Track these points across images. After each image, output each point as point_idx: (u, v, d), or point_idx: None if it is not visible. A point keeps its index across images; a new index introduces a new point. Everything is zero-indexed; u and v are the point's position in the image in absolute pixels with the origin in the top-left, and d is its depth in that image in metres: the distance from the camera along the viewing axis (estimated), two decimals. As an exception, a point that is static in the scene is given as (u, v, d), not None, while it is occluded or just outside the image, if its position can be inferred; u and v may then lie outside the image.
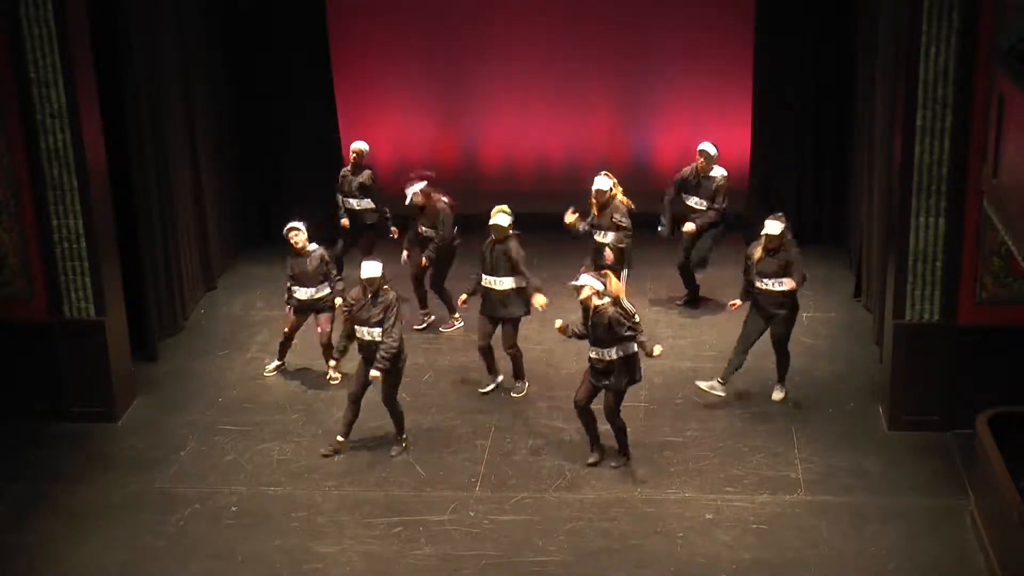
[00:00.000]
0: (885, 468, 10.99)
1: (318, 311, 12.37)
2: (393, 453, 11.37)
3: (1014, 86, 9.48)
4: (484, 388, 12.33)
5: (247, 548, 10.23)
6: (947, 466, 10.97)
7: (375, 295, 11.05)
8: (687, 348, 13.02)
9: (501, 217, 11.93)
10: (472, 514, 10.56)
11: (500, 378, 12.34)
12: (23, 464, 11.36)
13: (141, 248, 12.83)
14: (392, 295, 11.14)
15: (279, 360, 12.77)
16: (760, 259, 11.65)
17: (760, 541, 10.14)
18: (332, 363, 12.13)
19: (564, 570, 9.90)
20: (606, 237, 12.85)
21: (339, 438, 11.39)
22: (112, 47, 12.19)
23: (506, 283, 11.92)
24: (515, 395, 12.25)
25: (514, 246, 11.89)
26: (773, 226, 11.64)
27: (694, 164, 13.50)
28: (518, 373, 12.29)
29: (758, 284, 11.68)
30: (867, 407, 11.86)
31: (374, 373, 11.01)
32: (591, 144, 15.69)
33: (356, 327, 11.15)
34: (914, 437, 11.34)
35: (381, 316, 10.99)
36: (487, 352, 12.20)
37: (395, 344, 11.02)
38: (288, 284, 12.39)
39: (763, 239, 11.63)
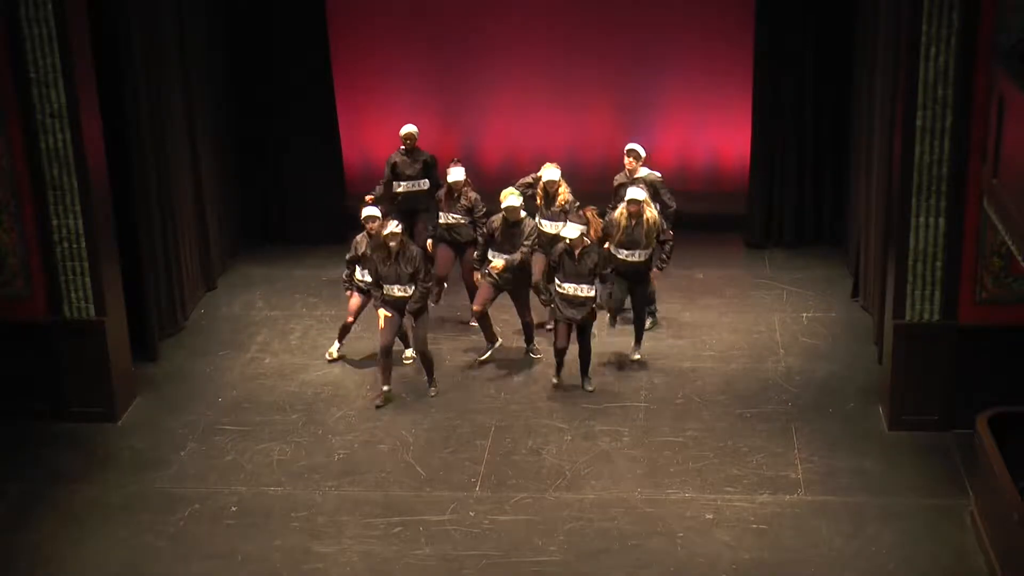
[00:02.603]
0: (885, 468, 10.99)
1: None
2: (432, 394, 12.16)
3: (1014, 86, 9.49)
4: (482, 356, 12.81)
5: (247, 548, 10.23)
6: (947, 466, 10.97)
7: (399, 254, 11.65)
8: (687, 348, 13.00)
9: (512, 199, 12.36)
10: (472, 514, 10.56)
11: (499, 343, 12.81)
12: (23, 464, 11.35)
13: (141, 248, 12.81)
14: (414, 249, 11.89)
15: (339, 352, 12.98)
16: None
17: (760, 541, 10.14)
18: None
19: (564, 570, 9.90)
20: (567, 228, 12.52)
21: (385, 387, 12.01)
22: (112, 47, 12.19)
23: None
24: (534, 356, 12.76)
25: (529, 224, 12.46)
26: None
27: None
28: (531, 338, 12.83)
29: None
30: (867, 407, 11.85)
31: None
32: (591, 144, 15.68)
33: (385, 287, 11.81)
34: (914, 437, 11.34)
35: (411, 271, 11.71)
36: (484, 319, 12.69)
37: (429, 283, 11.97)
38: (351, 270, 12.48)
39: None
